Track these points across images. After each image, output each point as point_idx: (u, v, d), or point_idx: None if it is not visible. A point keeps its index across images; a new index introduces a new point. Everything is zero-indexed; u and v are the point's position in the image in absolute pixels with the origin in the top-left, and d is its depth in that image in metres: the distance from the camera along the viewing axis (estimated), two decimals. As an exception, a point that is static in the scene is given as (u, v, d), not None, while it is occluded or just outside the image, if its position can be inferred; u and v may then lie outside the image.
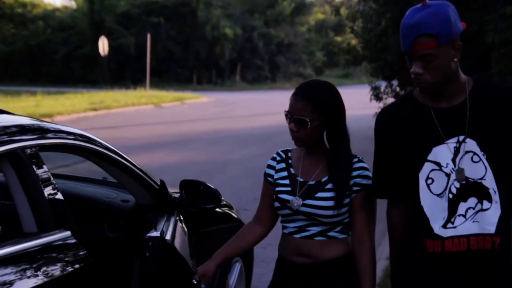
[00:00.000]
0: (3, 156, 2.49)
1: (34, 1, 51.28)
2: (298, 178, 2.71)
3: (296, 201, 2.65)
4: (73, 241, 2.62)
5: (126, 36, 42.20)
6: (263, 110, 24.91)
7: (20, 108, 20.55)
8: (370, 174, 2.67)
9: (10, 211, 2.61)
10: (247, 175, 10.80)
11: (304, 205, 2.65)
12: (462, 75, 2.44)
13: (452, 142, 2.42)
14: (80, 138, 2.95)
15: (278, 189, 2.73)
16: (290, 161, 2.77)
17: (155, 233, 3.01)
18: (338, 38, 46.58)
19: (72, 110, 21.29)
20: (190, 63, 43.88)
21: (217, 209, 4.01)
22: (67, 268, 2.55)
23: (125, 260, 3.38)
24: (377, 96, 12.77)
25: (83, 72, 41.74)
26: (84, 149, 2.96)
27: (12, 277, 2.33)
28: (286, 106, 2.71)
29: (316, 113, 2.61)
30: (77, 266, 2.59)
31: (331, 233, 2.68)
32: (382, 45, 10.85)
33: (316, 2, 59.52)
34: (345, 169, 2.66)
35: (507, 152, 2.42)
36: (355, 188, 2.66)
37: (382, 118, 2.58)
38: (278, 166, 2.79)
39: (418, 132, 2.45)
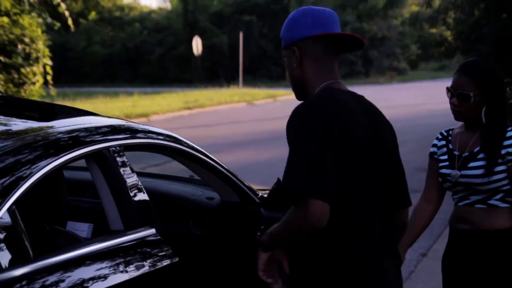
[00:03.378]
0: (90, 156, 2.59)
1: (131, 4, 52.87)
2: (455, 152, 2.94)
3: (454, 174, 2.89)
4: (158, 238, 2.69)
5: (219, 35, 42.79)
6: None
7: (118, 109, 21.24)
8: None
9: (100, 209, 2.71)
10: (338, 171, 10.72)
11: (461, 176, 2.87)
12: (315, 84, 2.34)
13: None
14: (166, 138, 3.03)
15: (440, 165, 2.97)
16: (450, 138, 3.02)
17: None
18: (433, 30, 45.55)
19: (167, 110, 21.77)
20: (283, 60, 43.65)
21: None
22: (153, 264, 2.63)
23: (210, 257, 3.45)
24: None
25: (178, 72, 42.63)
26: (172, 149, 3.04)
27: (100, 272, 2.42)
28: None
29: (479, 90, 2.83)
30: (162, 263, 2.66)
31: (492, 201, 2.85)
32: (476, 36, 10.53)
33: (410, -6, 58.36)
34: (497, 138, 2.84)
35: None
36: (509, 157, 2.82)
37: None
38: (439, 144, 3.04)
39: None
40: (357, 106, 2.31)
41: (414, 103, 24.98)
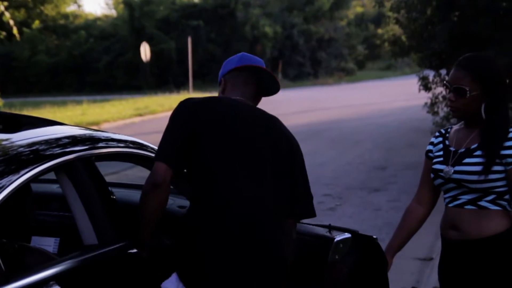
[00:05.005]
0: (60, 168, 2.45)
1: (75, 11, 52.10)
2: (451, 148, 2.83)
3: (447, 170, 2.77)
4: (135, 251, 2.56)
5: (166, 41, 42.49)
6: (306, 106, 24.74)
7: (67, 118, 20.82)
8: None
9: (66, 222, 2.57)
10: (296, 173, 10.68)
11: (454, 171, 2.75)
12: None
13: None
14: (131, 145, 2.90)
15: (433, 160, 2.88)
16: (447, 135, 2.91)
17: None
18: (379, 30, 46.09)
19: (118, 117, 21.47)
20: (232, 63, 43.89)
21: None
22: (131, 279, 2.50)
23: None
24: (426, 86, 12.55)
25: (127, 79, 42.18)
26: (138, 156, 2.91)
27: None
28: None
29: (475, 84, 2.71)
30: (140, 277, 2.53)
31: (482, 203, 2.72)
32: (428, 34, 10.65)
33: (354, -5, 59.02)
34: (497, 136, 2.70)
35: None
36: (509, 160, 2.69)
37: None
38: (436, 141, 2.94)
39: None
40: (242, 112, 2.67)
41: (364, 103, 25.19)
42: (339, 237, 3.11)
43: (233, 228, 2.46)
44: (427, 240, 6.48)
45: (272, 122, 2.72)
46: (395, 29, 13.82)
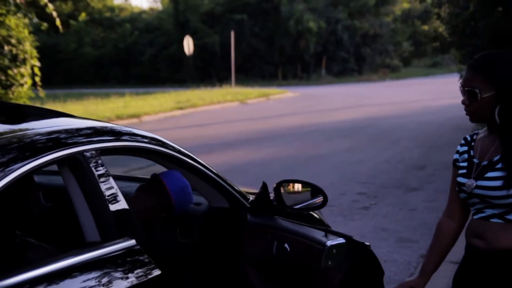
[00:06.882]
0: (62, 161, 2.36)
1: (121, 4, 52.66)
2: (474, 160, 2.57)
3: (470, 183, 2.51)
4: (139, 249, 2.46)
5: (210, 34, 42.62)
6: (349, 103, 24.49)
7: (109, 110, 21.02)
8: None
9: (70, 217, 2.48)
10: (332, 170, 10.54)
11: (476, 186, 2.49)
12: None
13: None
14: (151, 141, 2.80)
15: (458, 172, 2.61)
16: (472, 144, 2.63)
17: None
18: (425, 27, 45.41)
19: (159, 110, 21.56)
20: (275, 58, 43.83)
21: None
22: (133, 278, 2.40)
23: (197, 267, 3.22)
24: (467, 84, 12.22)
25: (170, 72, 42.47)
26: (151, 151, 2.81)
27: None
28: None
29: (486, 84, 2.42)
30: (143, 277, 2.43)
31: (510, 217, 2.47)
32: (471, 30, 10.34)
33: (402, -9, 58.31)
34: None
35: None
36: None
37: None
38: (461, 149, 2.67)
39: None
40: None
41: (408, 100, 24.82)
42: (332, 242, 2.92)
43: None
44: (461, 243, 6.26)
45: None
46: (438, 25, 13.51)
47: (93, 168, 2.42)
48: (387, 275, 5.94)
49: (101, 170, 2.45)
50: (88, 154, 2.42)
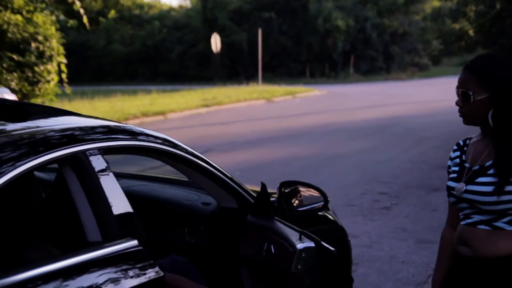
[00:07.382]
0: (64, 161, 2.36)
1: (150, 2, 52.94)
2: (466, 164, 2.51)
3: (459, 187, 2.46)
4: (141, 250, 2.45)
5: (238, 32, 42.66)
6: (376, 101, 24.33)
7: (135, 106, 21.13)
8: None
9: (72, 217, 2.47)
10: (355, 169, 10.47)
11: (466, 191, 2.44)
12: None
13: None
14: (151, 140, 2.78)
15: (449, 176, 2.56)
16: (465, 148, 2.59)
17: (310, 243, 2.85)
18: (455, 26, 44.96)
19: (184, 107, 21.62)
20: (303, 56, 43.74)
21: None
22: (134, 280, 2.40)
23: (205, 268, 3.21)
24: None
25: (198, 70, 42.62)
26: (152, 150, 2.79)
27: None
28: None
29: (480, 86, 2.37)
30: (144, 278, 2.42)
31: (498, 224, 2.40)
32: (497, 29, 10.20)
33: (432, -11, 57.78)
34: (510, 150, 2.37)
35: None
36: None
37: None
38: (453, 155, 2.62)
39: None
40: None
41: (436, 99, 24.58)
42: (302, 245, 2.83)
43: None
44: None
45: None
46: (464, 24, 13.35)
47: (95, 168, 2.42)
48: (404, 275, 5.90)
49: (104, 170, 2.45)
50: (90, 153, 2.42)
